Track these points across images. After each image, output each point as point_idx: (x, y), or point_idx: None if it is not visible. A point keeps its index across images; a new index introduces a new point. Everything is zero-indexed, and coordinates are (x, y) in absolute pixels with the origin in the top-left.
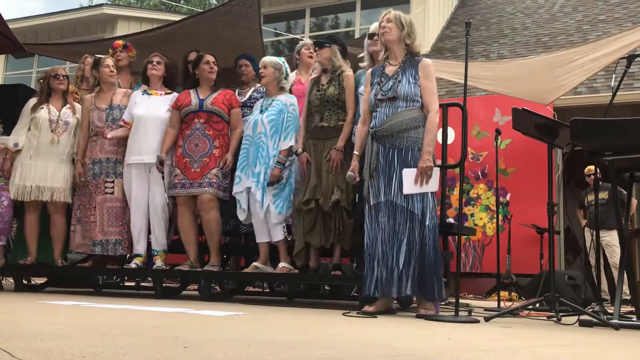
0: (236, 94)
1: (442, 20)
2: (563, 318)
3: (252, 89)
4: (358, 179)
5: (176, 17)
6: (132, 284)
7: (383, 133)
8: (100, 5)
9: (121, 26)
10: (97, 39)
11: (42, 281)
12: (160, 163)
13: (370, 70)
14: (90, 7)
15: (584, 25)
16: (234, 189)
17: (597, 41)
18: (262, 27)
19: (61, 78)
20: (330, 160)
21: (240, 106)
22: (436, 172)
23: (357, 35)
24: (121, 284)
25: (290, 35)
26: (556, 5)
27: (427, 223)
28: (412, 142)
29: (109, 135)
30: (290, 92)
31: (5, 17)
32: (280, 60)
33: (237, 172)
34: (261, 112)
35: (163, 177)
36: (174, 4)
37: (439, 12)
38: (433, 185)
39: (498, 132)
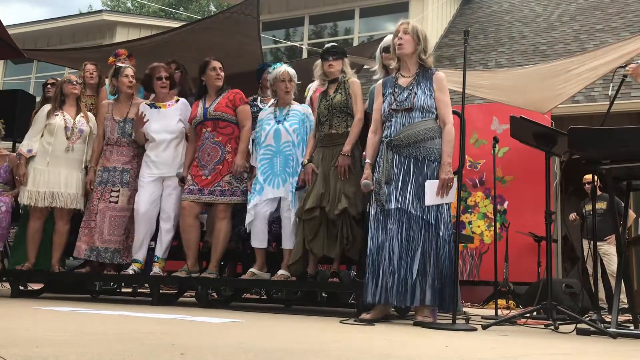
0: (258, 101)
1: (441, 28)
2: (560, 326)
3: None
4: (373, 187)
5: (175, 24)
6: (129, 290)
7: (399, 142)
8: (100, 11)
9: (120, 32)
10: (96, 44)
11: (39, 287)
12: (182, 180)
13: (381, 81)
14: (89, 13)
15: (582, 35)
16: (253, 197)
17: (595, 50)
18: (261, 35)
19: (74, 83)
20: (338, 166)
21: (248, 104)
22: (454, 183)
23: (355, 43)
24: (118, 290)
25: (289, 43)
26: (554, 14)
27: (441, 233)
28: (428, 153)
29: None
30: (311, 100)
31: (5, 23)
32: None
33: (260, 179)
34: (278, 121)
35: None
36: (173, 10)
37: (438, 20)
38: (451, 196)
39: (496, 140)
